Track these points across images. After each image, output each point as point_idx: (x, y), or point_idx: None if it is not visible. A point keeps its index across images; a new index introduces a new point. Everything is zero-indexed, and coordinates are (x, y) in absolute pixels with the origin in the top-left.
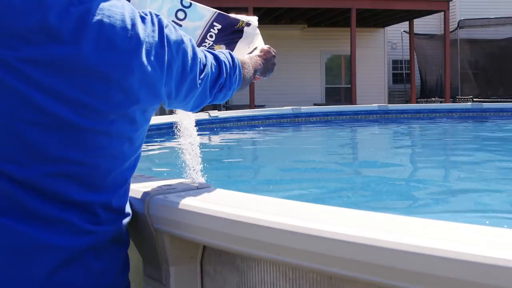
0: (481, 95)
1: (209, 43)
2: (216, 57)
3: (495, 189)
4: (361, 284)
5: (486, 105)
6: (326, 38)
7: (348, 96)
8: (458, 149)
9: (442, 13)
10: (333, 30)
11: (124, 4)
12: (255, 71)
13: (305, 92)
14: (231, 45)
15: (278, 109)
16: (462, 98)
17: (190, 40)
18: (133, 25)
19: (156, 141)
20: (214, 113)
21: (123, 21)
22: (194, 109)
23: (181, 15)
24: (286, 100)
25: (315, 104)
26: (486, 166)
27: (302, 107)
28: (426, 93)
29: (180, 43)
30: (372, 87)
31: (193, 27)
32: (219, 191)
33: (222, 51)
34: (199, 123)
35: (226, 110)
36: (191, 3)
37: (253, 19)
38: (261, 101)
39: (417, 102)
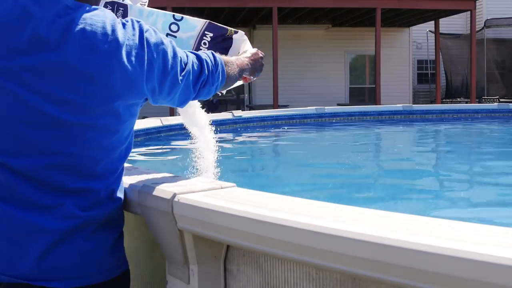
0: (507, 96)
1: (206, 48)
2: (198, 56)
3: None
4: (385, 285)
5: None
6: (350, 38)
7: (372, 96)
8: (484, 150)
9: (469, 12)
10: (358, 30)
11: (106, 13)
12: (242, 70)
13: (329, 92)
14: (224, 53)
15: (301, 109)
16: (488, 98)
17: (171, 42)
18: (113, 30)
19: (179, 141)
20: (238, 113)
21: (104, 27)
22: (180, 104)
23: (174, 27)
24: (310, 100)
25: (338, 104)
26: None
27: (325, 107)
28: (451, 94)
29: (159, 44)
30: (396, 87)
31: (187, 37)
32: (243, 191)
33: (205, 52)
34: (222, 123)
35: (250, 110)
36: (182, 17)
37: (240, 32)
38: (284, 101)
39: (442, 103)
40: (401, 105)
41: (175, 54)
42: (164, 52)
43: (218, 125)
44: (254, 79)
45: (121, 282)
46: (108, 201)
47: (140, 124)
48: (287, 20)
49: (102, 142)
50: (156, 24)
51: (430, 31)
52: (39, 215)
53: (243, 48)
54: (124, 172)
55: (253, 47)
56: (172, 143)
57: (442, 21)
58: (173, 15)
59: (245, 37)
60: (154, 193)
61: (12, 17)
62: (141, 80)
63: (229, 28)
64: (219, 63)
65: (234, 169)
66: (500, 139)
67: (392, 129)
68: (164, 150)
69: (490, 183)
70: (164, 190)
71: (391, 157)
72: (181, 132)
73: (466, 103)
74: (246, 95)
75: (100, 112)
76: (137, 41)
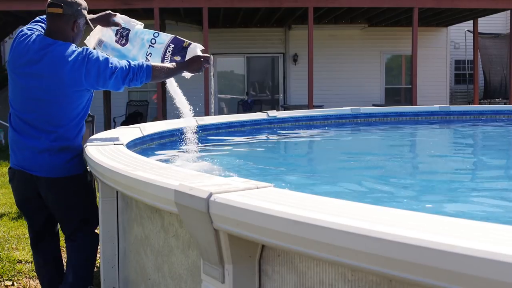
0: None
1: (169, 55)
2: (129, 65)
3: None
4: None
5: None
6: (386, 38)
7: (408, 96)
8: None
9: (508, 11)
10: (394, 29)
11: (68, 46)
12: (171, 70)
13: (364, 92)
14: (183, 57)
15: (336, 110)
16: None
17: (106, 58)
18: (69, 54)
19: (214, 141)
20: (273, 113)
21: (64, 53)
22: (114, 90)
23: (153, 41)
24: (345, 101)
25: (374, 105)
26: None
27: (361, 107)
28: (489, 94)
29: (95, 61)
30: (433, 87)
31: (159, 47)
32: (278, 191)
33: (138, 62)
34: (257, 123)
35: (284, 110)
36: (158, 33)
37: (199, 46)
38: (319, 101)
39: (480, 103)
40: (438, 106)
41: (106, 65)
42: (98, 65)
43: (253, 125)
44: (198, 73)
45: (74, 178)
46: (65, 139)
47: (175, 124)
48: (323, 20)
49: (63, 108)
50: (144, 38)
51: (468, 30)
52: (31, 140)
53: (194, 54)
54: (160, 171)
55: (290, 46)
56: (206, 143)
57: (481, 20)
58: (153, 33)
59: (198, 47)
60: (191, 192)
61: (23, 50)
62: (81, 79)
63: (186, 40)
64: (145, 68)
65: (269, 169)
66: None
67: (429, 130)
68: (199, 150)
69: None
70: (200, 190)
71: (426, 158)
72: (216, 132)
73: (505, 104)
74: (281, 95)
75: (61, 93)
76: (81, 59)
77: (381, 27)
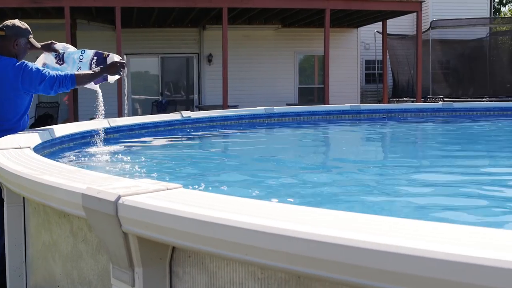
0: (451, 95)
1: (94, 66)
2: (57, 75)
3: (460, 186)
4: (329, 283)
5: (456, 104)
6: (299, 38)
7: (321, 96)
8: (428, 148)
9: (415, 13)
10: (307, 30)
11: (10, 60)
12: (93, 75)
13: (278, 92)
14: (105, 64)
15: (251, 109)
16: (433, 97)
17: (38, 69)
18: (12, 65)
19: (126, 143)
20: (187, 114)
21: (7, 64)
22: (45, 93)
23: (81, 57)
24: (259, 101)
25: (288, 104)
26: (454, 164)
27: (274, 107)
28: (398, 93)
29: (30, 71)
30: (345, 87)
31: (86, 61)
32: (188, 192)
33: (63, 72)
34: (171, 124)
35: (199, 110)
36: (84, 51)
37: (116, 55)
38: (234, 101)
39: (389, 102)
40: (349, 105)
41: (36, 75)
42: (31, 75)
43: (167, 126)
44: (119, 76)
45: None
46: (10, 130)
47: (86, 125)
48: (237, 21)
49: (8, 106)
50: (75, 57)
51: (377, 31)
52: None
53: (112, 60)
54: (69, 175)
55: (204, 47)
56: (119, 145)
57: (390, 22)
58: (81, 51)
59: (115, 56)
60: (99, 195)
61: None
62: (17, 84)
63: (105, 52)
64: (69, 77)
65: (181, 171)
66: (443, 136)
67: (340, 128)
68: (111, 152)
69: (431, 178)
70: (108, 192)
71: (337, 155)
72: (129, 133)
73: (412, 102)
74: (196, 96)
75: (4, 96)
76: (18, 70)
77: (294, 28)
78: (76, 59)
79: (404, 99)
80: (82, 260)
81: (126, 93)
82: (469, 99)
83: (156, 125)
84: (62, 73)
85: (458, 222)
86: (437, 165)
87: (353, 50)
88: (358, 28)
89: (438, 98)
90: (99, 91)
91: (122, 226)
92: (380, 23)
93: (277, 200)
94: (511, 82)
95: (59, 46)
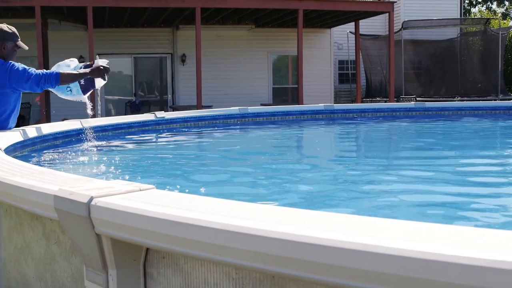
0: (424, 95)
1: (52, 70)
2: (42, 73)
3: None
4: (303, 282)
5: (428, 104)
6: (273, 38)
7: (295, 96)
8: (400, 147)
9: (387, 14)
10: (281, 30)
11: (0, 61)
12: (77, 76)
13: (252, 92)
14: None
15: (225, 110)
16: (406, 97)
17: (25, 68)
18: (1, 64)
19: (98, 144)
20: (161, 114)
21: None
22: (32, 90)
23: (77, 67)
24: (234, 101)
25: (262, 104)
26: (426, 162)
27: (249, 107)
28: (371, 93)
29: (17, 70)
30: (318, 87)
31: (74, 66)
32: (162, 193)
33: (49, 71)
34: (144, 124)
35: (173, 110)
36: (77, 64)
37: (102, 60)
38: (208, 101)
39: (362, 102)
40: (323, 104)
41: (23, 73)
42: (18, 73)
43: (140, 127)
44: (103, 80)
45: None
46: (5, 124)
47: (59, 126)
48: (210, 21)
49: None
50: (73, 67)
51: (350, 32)
52: None
53: (97, 64)
54: (41, 176)
55: (178, 47)
56: (91, 146)
57: (362, 22)
58: (76, 65)
59: (100, 61)
60: (71, 197)
61: None
62: (5, 83)
63: (91, 62)
64: (54, 75)
65: (154, 171)
66: (416, 135)
67: (314, 128)
68: (84, 153)
69: (403, 176)
70: (81, 194)
71: (311, 155)
72: (102, 134)
73: (385, 102)
74: (170, 96)
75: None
76: (5, 69)
77: (268, 28)
78: (76, 67)
79: (377, 99)
80: (55, 262)
81: (99, 94)
82: (441, 99)
83: (129, 125)
84: (48, 71)
85: (433, 220)
86: (410, 163)
87: (327, 50)
88: (331, 29)
89: (411, 98)
90: (88, 102)
91: (95, 228)
92: (353, 23)
93: (250, 200)
94: (482, 82)
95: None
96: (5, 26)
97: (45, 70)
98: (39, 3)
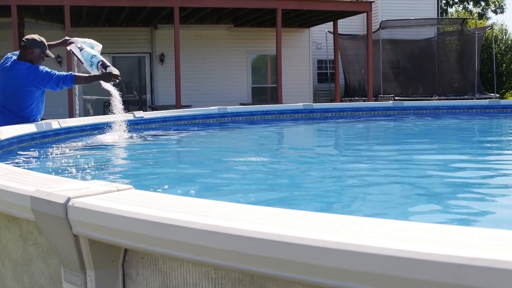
0: (402, 94)
1: (100, 68)
2: (62, 74)
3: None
4: (282, 282)
5: (406, 103)
6: (252, 38)
7: (274, 95)
8: (378, 145)
9: (365, 14)
10: (259, 30)
11: (25, 64)
12: (90, 79)
13: (231, 92)
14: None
15: (204, 109)
16: (384, 96)
17: (48, 71)
18: (26, 68)
19: (77, 144)
20: (139, 114)
21: (23, 66)
22: (53, 89)
23: (92, 59)
24: (213, 100)
25: (241, 104)
26: (403, 160)
27: (228, 107)
28: (350, 92)
29: (41, 71)
30: (297, 86)
31: (95, 61)
32: (139, 193)
33: (68, 73)
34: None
35: (152, 110)
36: (95, 55)
37: (115, 70)
38: (188, 101)
39: (341, 101)
40: (302, 104)
41: (46, 74)
42: (42, 74)
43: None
44: (111, 83)
45: None
46: (23, 118)
47: (36, 126)
48: (189, 20)
49: (22, 98)
50: (88, 57)
51: (329, 31)
52: (6, 117)
53: (110, 71)
54: (17, 177)
55: (156, 46)
56: (70, 146)
57: (341, 22)
58: (92, 55)
59: (113, 70)
60: (48, 197)
61: (3, 64)
62: (32, 81)
63: (108, 64)
64: (70, 77)
65: (132, 172)
66: (394, 134)
67: (293, 127)
68: (61, 153)
69: (382, 175)
70: (58, 195)
71: (290, 154)
72: (80, 134)
73: (363, 102)
74: (149, 96)
75: (20, 89)
76: (32, 71)
77: (246, 28)
78: (88, 60)
79: (356, 98)
80: (32, 264)
81: (77, 93)
82: (418, 98)
83: (108, 125)
84: (66, 73)
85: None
86: (388, 160)
87: (305, 49)
88: (310, 28)
89: (389, 97)
90: (115, 91)
91: (73, 229)
92: (331, 23)
93: (229, 200)
94: (459, 81)
95: (78, 40)
96: (36, 36)
97: (63, 73)
98: (15, 2)
